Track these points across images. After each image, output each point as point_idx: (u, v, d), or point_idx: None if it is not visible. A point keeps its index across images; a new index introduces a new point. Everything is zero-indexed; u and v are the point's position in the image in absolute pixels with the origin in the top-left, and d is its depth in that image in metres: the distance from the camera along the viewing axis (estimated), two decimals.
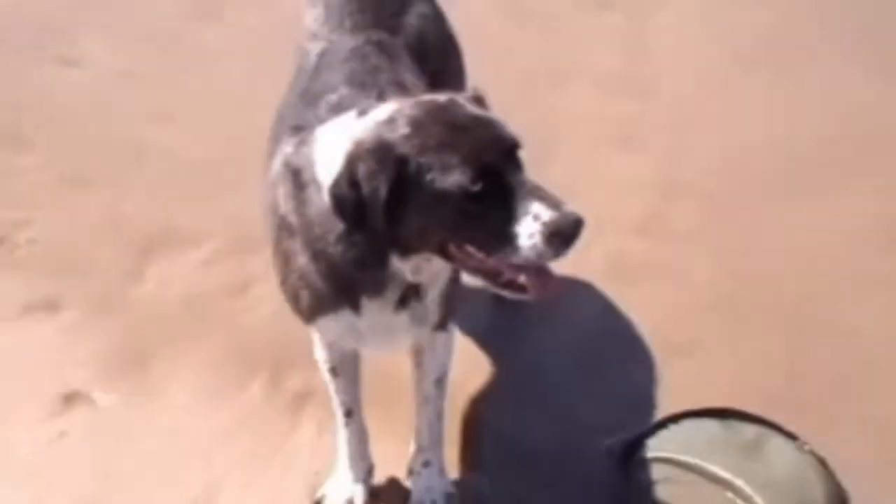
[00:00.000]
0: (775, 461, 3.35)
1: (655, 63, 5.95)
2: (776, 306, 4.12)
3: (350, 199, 2.38)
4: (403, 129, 2.38)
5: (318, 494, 3.39)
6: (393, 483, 3.46)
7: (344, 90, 2.92)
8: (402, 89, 2.82)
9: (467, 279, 2.78)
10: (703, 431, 3.46)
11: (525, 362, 3.90)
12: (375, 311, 2.74)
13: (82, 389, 3.85)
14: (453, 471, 3.46)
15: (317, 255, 2.66)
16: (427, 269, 2.62)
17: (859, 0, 6.56)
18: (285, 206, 2.72)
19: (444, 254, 2.48)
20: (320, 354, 3.18)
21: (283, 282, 2.87)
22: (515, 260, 2.36)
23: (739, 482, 3.26)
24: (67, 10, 6.73)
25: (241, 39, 6.11)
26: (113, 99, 5.75)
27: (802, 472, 3.32)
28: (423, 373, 3.21)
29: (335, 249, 2.59)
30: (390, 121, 2.43)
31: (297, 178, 2.67)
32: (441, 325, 2.99)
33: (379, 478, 3.45)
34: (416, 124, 2.38)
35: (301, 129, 2.80)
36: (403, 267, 2.56)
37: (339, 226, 2.52)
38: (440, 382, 3.24)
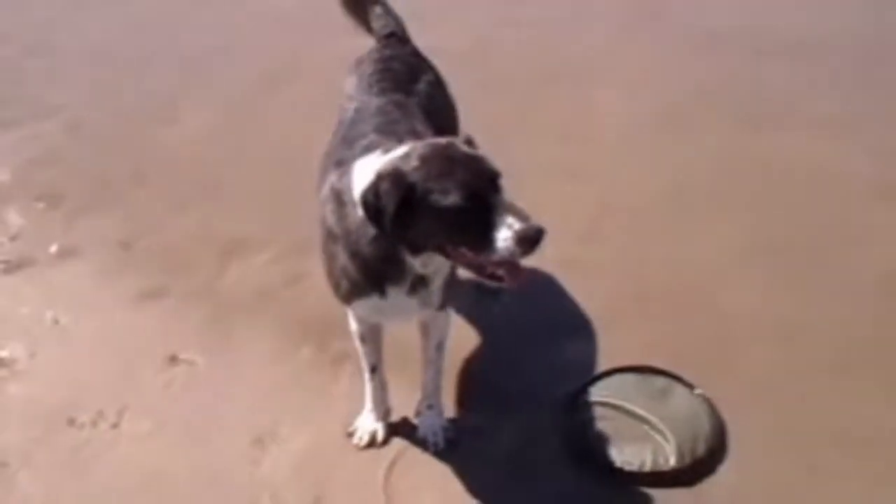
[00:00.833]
0: (677, 403, 3.40)
1: (593, 123, 5.97)
2: (676, 295, 4.14)
3: (373, 206, 2.49)
4: (415, 162, 2.49)
5: (351, 428, 3.40)
6: (405, 421, 3.47)
7: (373, 136, 2.98)
8: (415, 135, 2.85)
9: (462, 273, 2.86)
10: (627, 382, 3.51)
11: (500, 333, 3.92)
12: (395, 296, 2.80)
13: (182, 353, 3.89)
14: (449, 411, 3.48)
15: (354, 255, 2.75)
16: (432, 264, 2.70)
17: (729, 79, 6.61)
18: (331, 219, 2.81)
19: (442, 252, 2.57)
20: (353, 327, 3.21)
21: (329, 274, 2.94)
22: (495, 257, 2.44)
23: (653, 418, 3.31)
24: (168, 82, 6.88)
25: (298, 103, 6.14)
26: (202, 147, 5.83)
27: (696, 410, 3.37)
28: (428, 341, 3.26)
29: (367, 250, 2.69)
30: (405, 156, 2.53)
31: (340, 199, 2.76)
32: (441, 307, 3.05)
33: (395, 417, 3.47)
34: (424, 159, 2.49)
35: (342, 164, 2.87)
36: (414, 262, 2.66)
37: (370, 233, 2.61)
38: (440, 347, 3.28)
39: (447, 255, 2.58)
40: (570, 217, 4.64)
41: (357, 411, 3.44)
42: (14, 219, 5.05)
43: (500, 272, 2.53)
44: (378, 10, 3.87)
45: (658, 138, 5.74)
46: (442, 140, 2.64)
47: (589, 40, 7.52)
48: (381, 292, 2.80)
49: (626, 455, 3.19)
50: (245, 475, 3.25)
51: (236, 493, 3.18)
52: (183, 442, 3.40)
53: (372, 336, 3.23)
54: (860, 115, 5.91)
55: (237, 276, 4.42)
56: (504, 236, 2.39)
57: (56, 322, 4.13)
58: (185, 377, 3.75)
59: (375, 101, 3.26)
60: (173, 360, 3.83)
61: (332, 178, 2.87)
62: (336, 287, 2.94)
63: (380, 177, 2.51)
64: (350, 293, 2.89)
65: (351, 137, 3.06)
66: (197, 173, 5.46)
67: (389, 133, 2.99)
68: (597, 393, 3.47)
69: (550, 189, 4.90)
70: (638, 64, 6.95)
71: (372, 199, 2.50)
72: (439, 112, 3.49)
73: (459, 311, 3.86)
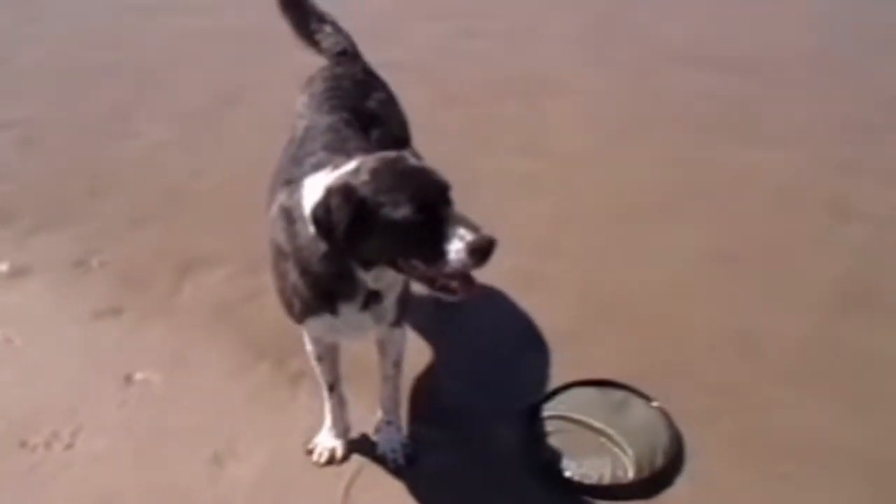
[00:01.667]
0: (635, 415, 3.41)
1: (549, 136, 6.01)
2: (633, 307, 4.15)
3: (324, 222, 2.47)
4: (364, 176, 2.47)
5: (311, 445, 3.36)
6: (364, 438, 3.43)
7: (322, 154, 2.95)
8: (365, 152, 2.82)
9: (416, 289, 2.80)
10: (585, 395, 3.51)
11: (456, 348, 3.90)
12: (348, 313, 2.77)
13: (138, 372, 3.81)
14: (408, 427, 3.44)
15: (304, 272, 2.71)
16: (384, 279, 2.66)
17: (684, 92, 6.71)
18: (281, 237, 2.77)
19: (394, 266, 2.54)
20: (308, 347, 3.17)
21: (281, 293, 2.90)
22: (447, 270, 2.41)
23: (611, 431, 3.31)
24: (123, 97, 6.84)
25: (253, 118, 6.13)
26: (160, 161, 5.80)
27: (653, 423, 3.37)
28: (385, 358, 3.23)
29: (318, 267, 2.65)
30: (355, 171, 2.52)
31: (290, 217, 2.72)
32: (397, 323, 3.02)
33: (354, 433, 3.43)
34: (374, 173, 2.47)
35: (291, 182, 2.83)
36: (366, 277, 2.62)
37: (320, 249, 2.59)
38: (397, 364, 3.25)
39: (399, 269, 2.55)
40: (528, 230, 4.65)
41: (316, 428, 3.39)
42: None
43: (453, 284, 2.50)
44: (328, 28, 3.85)
45: (614, 151, 5.78)
46: (391, 154, 2.61)
47: (546, 53, 7.60)
48: (333, 310, 2.76)
49: (584, 468, 3.18)
50: (203, 494, 3.18)
51: None
52: (140, 461, 3.33)
53: (328, 355, 3.19)
54: (809, 127, 6.00)
55: (194, 293, 4.36)
56: (456, 248, 2.37)
57: (9, 341, 4.03)
58: (141, 396, 3.67)
59: (326, 119, 3.24)
60: (129, 378, 3.76)
61: (282, 196, 2.83)
62: (288, 306, 2.90)
63: (330, 192, 2.48)
64: (302, 312, 2.85)
65: (300, 155, 3.01)
66: (153, 188, 5.41)
67: (339, 150, 2.95)
68: (555, 406, 3.46)
69: (508, 201, 4.94)
70: (594, 77, 7.02)
71: (322, 215, 2.47)
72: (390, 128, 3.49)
73: (415, 326, 3.82)
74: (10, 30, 8.49)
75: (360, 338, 3.07)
